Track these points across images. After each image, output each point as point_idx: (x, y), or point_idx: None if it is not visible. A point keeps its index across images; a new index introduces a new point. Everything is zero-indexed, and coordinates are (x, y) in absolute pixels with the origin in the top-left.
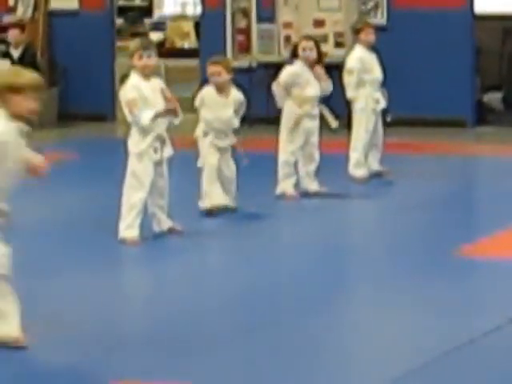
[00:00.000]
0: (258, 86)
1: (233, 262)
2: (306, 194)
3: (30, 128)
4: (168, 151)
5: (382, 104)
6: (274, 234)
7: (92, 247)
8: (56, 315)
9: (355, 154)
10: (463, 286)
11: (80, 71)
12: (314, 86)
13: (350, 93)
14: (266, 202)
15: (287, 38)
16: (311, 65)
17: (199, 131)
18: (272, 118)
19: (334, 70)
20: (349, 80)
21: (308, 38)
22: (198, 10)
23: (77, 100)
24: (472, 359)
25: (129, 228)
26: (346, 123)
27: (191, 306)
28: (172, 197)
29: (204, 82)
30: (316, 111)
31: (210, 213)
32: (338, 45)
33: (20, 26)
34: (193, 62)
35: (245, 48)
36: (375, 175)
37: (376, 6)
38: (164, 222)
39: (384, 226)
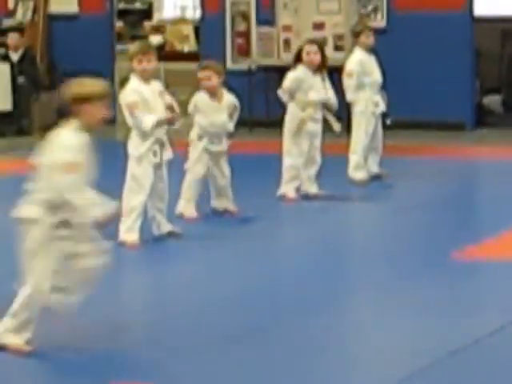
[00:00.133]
0: (257, 90)
1: (232, 265)
2: (306, 197)
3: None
4: (167, 154)
5: (382, 107)
6: (274, 237)
7: None
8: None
9: (355, 157)
10: (464, 286)
11: (79, 74)
12: (317, 90)
13: (349, 96)
14: (267, 204)
15: (287, 41)
16: (315, 69)
17: (193, 135)
18: (272, 121)
19: (334, 73)
20: (348, 83)
21: (312, 41)
22: (198, 13)
23: None
24: (476, 360)
25: (129, 231)
26: (346, 126)
27: (191, 308)
28: (172, 200)
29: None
30: (319, 115)
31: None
32: (338, 48)
33: (19, 29)
34: (192, 66)
35: (244, 51)
36: (375, 178)
37: (376, 9)
38: (164, 225)
39: (384, 228)
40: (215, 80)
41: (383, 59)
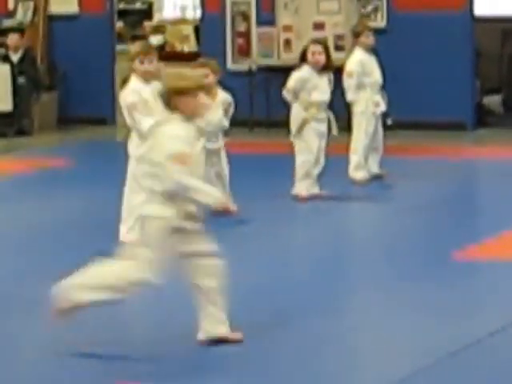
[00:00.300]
0: (257, 90)
1: (231, 265)
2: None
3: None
4: None
5: (382, 107)
6: (274, 237)
7: (92, 250)
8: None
9: (355, 157)
10: (464, 287)
11: (80, 75)
12: (321, 90)
13: (350, 96)
14: (266, 204)
15: (287, 42)
16: (320, 69)
17: None
18: (272, 122)
19: (334, 73)
20: (349, 83)
21: (317, 41)
22: (198, 13)
23: (77, 104)
24: (477, 360)
25: (130, 231)
26: (346, 126)
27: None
28: None
29: None
30: (323, 115)
31: None
32: (338, 48)
33: (20, 29)
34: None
35: (245, 51)
36: (375, 178)
37: (376, 9)
38: None
39: (384, 228)
40: (212, 78)
41: (383, 59)
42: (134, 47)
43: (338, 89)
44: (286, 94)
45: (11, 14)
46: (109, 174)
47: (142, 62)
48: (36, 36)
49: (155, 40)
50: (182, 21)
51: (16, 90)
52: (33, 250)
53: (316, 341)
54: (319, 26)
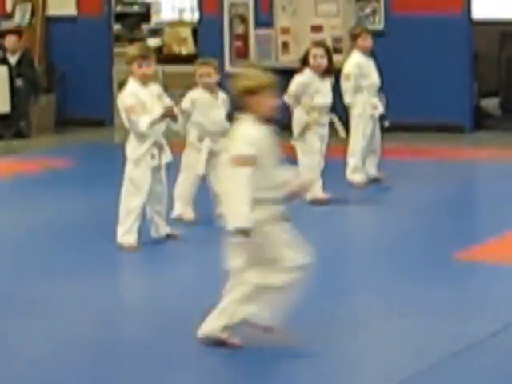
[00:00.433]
0: None
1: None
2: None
3: (277, 126)
4: (166, 157)
5: (380, 109)
6: None
7: (90, 253)
8: (54, 320)
9: (353, 160)
10: (466, 287)
11: (78, 77)
12: (323, 94)
13: (347, 98)
14: None
15: (285, 44)
16: (322, 72)
17: (192, 137)
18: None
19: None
20: (346, 86)
21: (318, 44)
22: (196, 15)
23: (74, 106)
24: (479, 361)
25: (127, 234)
26: (344, 129)
27: (189, 312)
28: (171, 202)
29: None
30: (325, 119)
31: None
32: (336, 50)
33: (17, 31)
34: (190, 68)
35: (242, 54)
36: (373, 180)
37: (374, 12)
38: (162, 228)
39: (383, 230)
40: (215, 76)
41: (381, 62)
42: (132, 50)
43: (335, 91)
44: (288, 98)
45: (9, 16)
46: (107, 176)
47: (140, 66)
48: (34, 38)
49: (153, 42)
50: (180, 23)
51: (14, 92)
52: (31, 250)
53: (316, 341)
54: (317, 29)
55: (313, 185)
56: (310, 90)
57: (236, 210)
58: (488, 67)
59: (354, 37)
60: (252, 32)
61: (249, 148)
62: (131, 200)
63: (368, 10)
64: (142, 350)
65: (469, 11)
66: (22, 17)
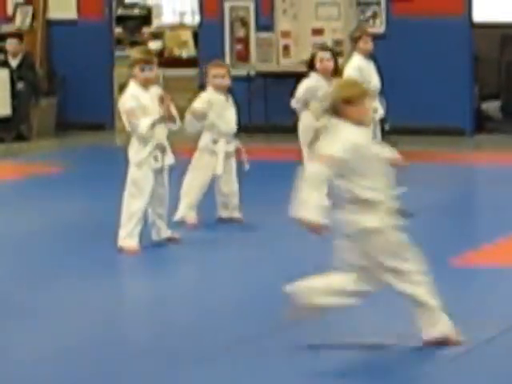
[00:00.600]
0: (256, 95)
1: (231, 272)
2: None
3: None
4: (169, 160)
5: (380, 112)
6: (273, 244)
7: (91, 256)
8: (54, 321)
9: None
10: (462, 293)
11: (79, 80)
12: None
13: None
14: (266, 211)
15: (286, 47)
16: (329, 76)
17: (206, 140)
18: (271, 127)
19: None
20: None
21: (325, 48)
22: (197, 19)
23: (75, 109)
24: (475, 366)
25: (128, 236)
26: None
27: (190, 315)
28: (173, 206)
29: (199, 90)
30: None
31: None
32: (337, 53)
33: (18, 35)
34: (191, 71)
35: (243, 57)
36: None
37: (375, 15)
38: (163, 231)
39: None
40: (227, 79)
41: (382, 65)
42: (135, 54)
43: None
44: (296, 103)
45: (10, 20)
46: (107, 180)
47: (142, 70)
48: (35, 41)
49: (154, 45)
50: (181, 26)
51: (15, 96)
52: (32, 252)
53: (311, 348)
54: (318, 32)
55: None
56: (319, 94)
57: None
58: (489, 70)
59: (355, 40)
60: (253, 35)
61: (342, 152)
62: (133, 203)
63: (369, 13)
64: (143, 352)
65: (469, 14)
66: (22, 20)
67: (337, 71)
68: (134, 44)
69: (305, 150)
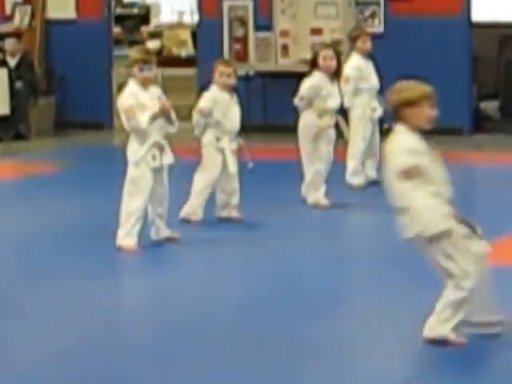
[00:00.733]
0: (255, 95)
1: (230, 271)
2: (305, 202)
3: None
4: (168, 159)
5: (379, 112)
6: (271, 244)
7: (90, 255)
8: (54, 324)
9: (352, 162)
10: None
11: (77, 80)
12: (334, 97)
13: (347, 101)
14: (266, 211)
15: (284, 47)
16: (332, 75)
17: (209, 138)
18: (269, 127)
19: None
20: (345, 88)
21: (328, 46)
22: (196, 18)
23: (74, 108)
24: (475, 365)
25: (127, 236)
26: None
27: (189, 315)
28: (172, 205)
29: (203, 89)
30: (333, 121)
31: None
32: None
33: (17, 34)
34: (190, 71)
35: (242, 56)
36: (372, 183)
37: (373, 14)
38: (162, 230)
39: (382, 233)
40: (233, 78)
41: (380, 64)
42: (134, 53)
43: None
44: (299, 101)
45: (9, 19)
46: (106, 179)
47: (141, 70)
48: (33, 41)
49: (152, 45)
50: (180, 26)
51: (13, 95)
52: (31, 252)
53: (315, 347)
54: (317, 31)
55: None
56: (323, 93)
57: (428, 216)
58: (487, 70)
59: (353, 39)
60: (251, 35)
61: (407, 159)
62: (132, 202)
63: (367, 13)
64: (142, 352)
65: (468, 14)
66: (21, 19)
67: (339, 70)
68: (132, 43)
69: (303, 148)
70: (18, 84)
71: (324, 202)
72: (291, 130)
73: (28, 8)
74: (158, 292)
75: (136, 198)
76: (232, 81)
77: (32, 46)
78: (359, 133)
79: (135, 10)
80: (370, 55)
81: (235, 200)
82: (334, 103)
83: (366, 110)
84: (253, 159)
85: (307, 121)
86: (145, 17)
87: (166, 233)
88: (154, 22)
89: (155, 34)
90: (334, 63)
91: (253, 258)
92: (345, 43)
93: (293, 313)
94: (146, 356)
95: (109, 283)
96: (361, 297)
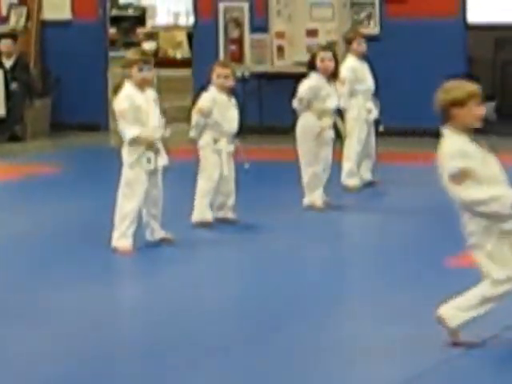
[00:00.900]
0: (250, 96)
1: (225, 273)
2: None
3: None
4: (162, 161)
5: (375, 114)
6: (267, 245)
7: (85, 256)
8: (51, 326)
9: (348, 164)
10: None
11: (73, 81)
12: (333, 97)
13: (342, 103)
14: (262, 212)
15: (280, 48)
16: (329, 76)
17: (207, 139)
18: (265, 128)
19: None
20: (341, 90)
21: (326, 47)
22: (191, 20)
23: (70, 110)
24: (468, 368)
25: (122, 237)
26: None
27: (183, 316)
28: (167, 206)
29: (201, 90)
30: (332, 122)
31: (204, 226)
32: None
33: (12, 35)
34: (185, 72)
35: (237, 58)
36: (367, 185)
37: (369, 16)
38: (157, 232)
39: (376, 235)
40: (231, 80)
41: (376, 66)
42: (132, 54)
43: None
44: (298, 103)
45: (4, 20)
46: (102, 180)
47: (140, 70)
48: (29, 42)
49: (148, 46)
50: (175, 27)
51: (9, 96)
52: (24, 254)
53: (315, 347)
54: (312, 33)
55: None
56: (322, 94)
57: (498, 195)
58: (483, 72)
59: (349, 41)
60: (247, 36)
61: (456, 162)
62: (127, 204)
63: (363, 15)
64: (139, 354)
65: (464, 16)
66: (17, 21)
67: (336, 72)
68: (128, 45)
69: (301, 150)
70: (14, 85)
71: (319, 203)
72: (287, 131)
73: (24, 9)
74: (153, 293)
75: (131, 200)
76: (230, 82)
77: (28, 47)
78: (355, 134)
79: (131, 12)
80: (365, 57)
81: (231, 201)
82: (332, 103)
83: (361, 111)
84: (249, 160)
85: (306, 123)
86: (140, 18)
87: (160, 234)
88: (149, 24)
89: (151, 36)
90: (332, 64)
91: (249, 259)
92: (340, 45)
93: (292, 313)
94: (143, 356)
95: (104, 284)
96: (360, 297)
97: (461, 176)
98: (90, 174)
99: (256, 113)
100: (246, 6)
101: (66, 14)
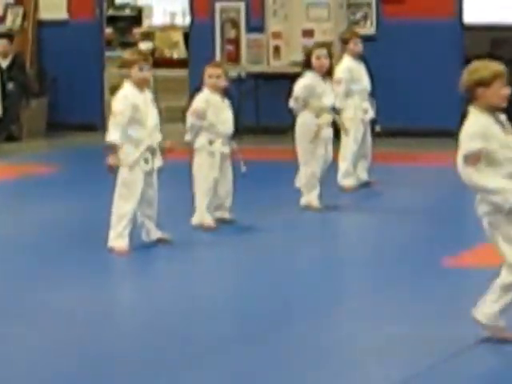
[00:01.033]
0: (247, 96)
1: (222, 273)
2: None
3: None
4: (158, 162)
5: (371, 114)
6: (264, 245)
7: (81, 256)
8: (46, 327)
9: (344, 164)
10: (455, 293)
11: (69, 81)
12: (329, 95)
13: (338, 103)
14: (258, 212)
15: (276, 48)
16: (324, 74)
17: (202, 141)
18: (262, 128)
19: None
20: (337, 90)
21: (322, 45)
22: (187, 20)
23: (66, 110)
24: (466, 368)
25: (118, 237)
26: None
27: (179, 316)
28: (162, 207)
29: (195, 91)
30: (330, 120)
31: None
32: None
33: (9, 35)
34: (182, 72)
35: (234, 58)
36: (364, 185)
37: (365, 16)
38: (153, 232)
39: (373, 235)
40: (223, 80)
41: (372, 66)
42: (131, 55)
43: None
44: (295, 103)
45: (0, 20)
46: (98, 180)
47: (141, 69)
48: (25, 42)
49: (144, 46)
50: (172, 27)
51: (5, 96)
52: (21, 253)
53: (314, 347)
54: (308, 33)
55: None
56: (318, 91)
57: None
58: None
59: (345, 41)
60: (243, 36)
61: (474, 143)
62: (124, 204)
63: (359, 15)
64: (136, 354)
65: (460, 16)
66: (13, 21)
67: (331, 69)
68: (124, 45)
69: (300, 149)
70: (10, 85)
71: (316, 204)
72: (284, 131)
73: (20, 9)
74: (149, 293)
75: (128, 200)
76: (223, 83)
77: (24, 47)
78: (351, 135)
79: (127, 12)
80: (361, 57)
81: (228, 202)
82: (329, 101)
83: (357, 111)
84: (245, 161)
85: (304, 121)
86: (137, 18)
87: (156, 234)
88: (145, 24)
89: (147, 36)
90: (327, 62)
91: (246, 259)
92: (336, 45)
93: (291, 313)
94: (141, 356)
95: (100, 284)
96: (359, 297)
97: (475, 158)
98: (87, 174)
99: (252, 113)
100: (242, 6)
101: (62, 13)
